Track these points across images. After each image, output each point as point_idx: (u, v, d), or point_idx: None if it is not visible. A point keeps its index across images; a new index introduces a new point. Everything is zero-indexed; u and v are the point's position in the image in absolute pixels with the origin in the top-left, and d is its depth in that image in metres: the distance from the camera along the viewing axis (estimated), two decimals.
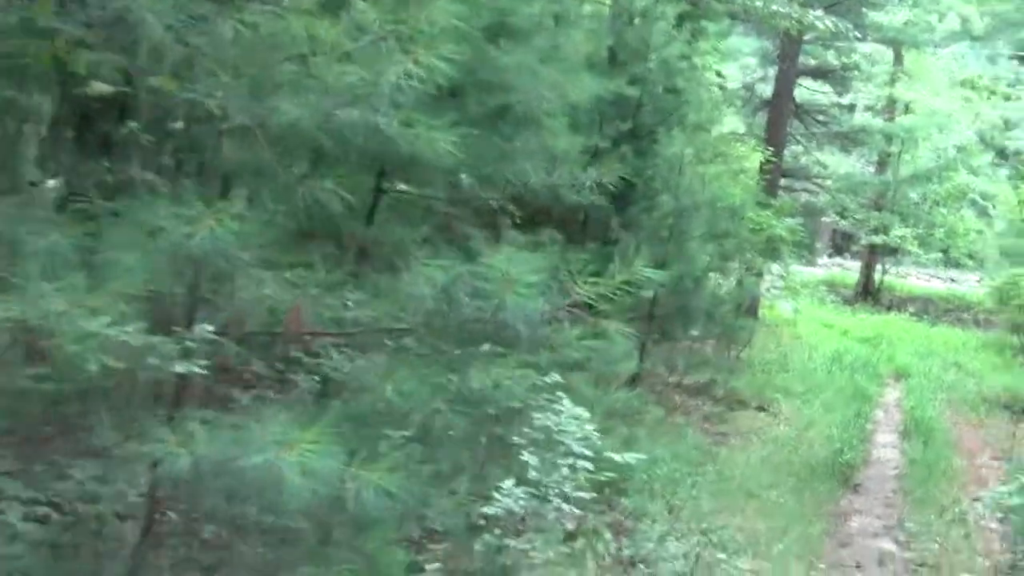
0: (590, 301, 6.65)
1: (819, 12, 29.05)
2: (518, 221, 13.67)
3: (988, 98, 36.63)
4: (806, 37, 35.53)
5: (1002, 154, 49.75)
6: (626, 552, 10.95)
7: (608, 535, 10.48)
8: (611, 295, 6.67)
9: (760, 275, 26.53)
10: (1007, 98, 36.22)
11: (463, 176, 11.12)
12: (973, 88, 35.95)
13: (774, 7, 27.07)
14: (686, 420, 18.89)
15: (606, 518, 11.41)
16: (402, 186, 11.52)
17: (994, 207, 43.26)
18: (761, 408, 21.39)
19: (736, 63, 41.26)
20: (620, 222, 18.40)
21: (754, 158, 31.40)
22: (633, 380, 18.52)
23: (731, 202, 20.46)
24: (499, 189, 11.42)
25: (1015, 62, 45.90)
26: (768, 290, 29.96)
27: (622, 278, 6.71)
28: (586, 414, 9.29)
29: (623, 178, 18.61)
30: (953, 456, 19.19)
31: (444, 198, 11.80)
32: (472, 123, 11.10)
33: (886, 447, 20.11)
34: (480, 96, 10.81)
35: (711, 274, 20.39)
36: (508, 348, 6.64)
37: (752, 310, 28.54)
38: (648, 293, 18.23)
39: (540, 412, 8.89)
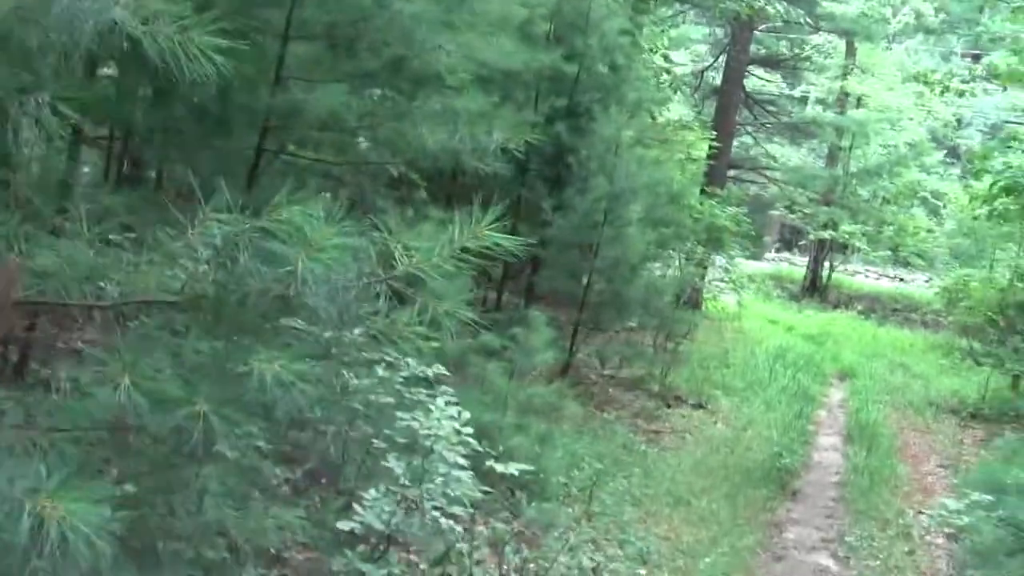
0: (419, 272, 4.96)
1: None
2: (426, 193, 12.41)
3: (941, 94, 35.51)
4: (759, 27, 34.47)
5: (953, 153, 48.99)
6: (531, 567, 9.55)
7: (509, 547, 9.17)
8: (454, 266, 5.01)
9: (704, 266, 25.32)
10: (960, 94, 35.14)
11: (360, 140, 9.77)
12: (926, 83, 34.82)
13: None
14: (616, 416, 17.68)
15: (509, 527, 9.95)
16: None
17: (945, 206, 42.19)
18: (699, 405, 20.22)
19: (686, 51, 40.16)
20: (553, 204, 17.10)
21: (701, 146, 30.22)
22: (563, 372, 17.29)
23: (672, 187, 19.06)
24: (400, 154, 9.92)
25: (968, 60, 44.84)
26: (711, 282, 28.70)
27: (461, 245, 5.00)
28: (466, 414, 7.80)
29: (560, 158, 17.53)
30: (898, 463, 18.07)
31: (339, 162, 10.43)
32: (367, 79, 9.84)
33: (828, 451, 18.94)
34: (375, 48, 9.42)
35: (649, 262, 18.99)
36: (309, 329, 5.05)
37: (694, 302, 27.61)
38: (580, 279, 17.10)
39: (407, 412, 7.44)
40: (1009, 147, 24.10)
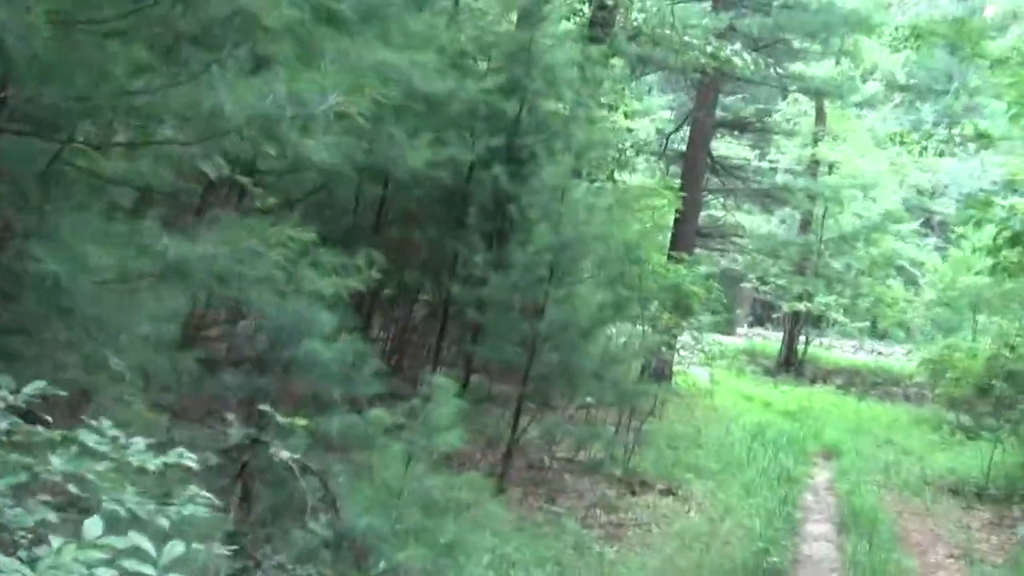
0: None
1: (737, 46, 25.02)
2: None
3: (920, 153, 32.91)
4: (725, 91, 31.84)
5: (927, 223, 46.63)
6: None
7: None
8: None
9: (673, 336, 22.22)
10: (940, 154, 32.56)
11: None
12: (902, 143, 32.23)
13: (687, 37, 23.31)
14: (569, 508, 14.58)
15: None
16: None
17: (923, 275, 39.62)
18: (668, 491, 17.13)
19: (651, 118, 37.48)
20: (491, 259, 14.08)
21: (667, 212, 27.33)
22: (507, 456, 14.25)
23: (630, 240, 15.96)
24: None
25: (940, 128, 42.47)
26: (681, 353, 25.77)
27: None
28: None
29: (500, 209, 14.61)
30: (902, 555, 14.87)
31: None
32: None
33: (820, 541, 15.87)
34: None
35: (604, 327, 15.83)
36: None
37: (662, 375, 24.71)
38: (524, 347, 14.08)
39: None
40: (1015, 190, 21.33)
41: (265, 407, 7.72)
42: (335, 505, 7.80)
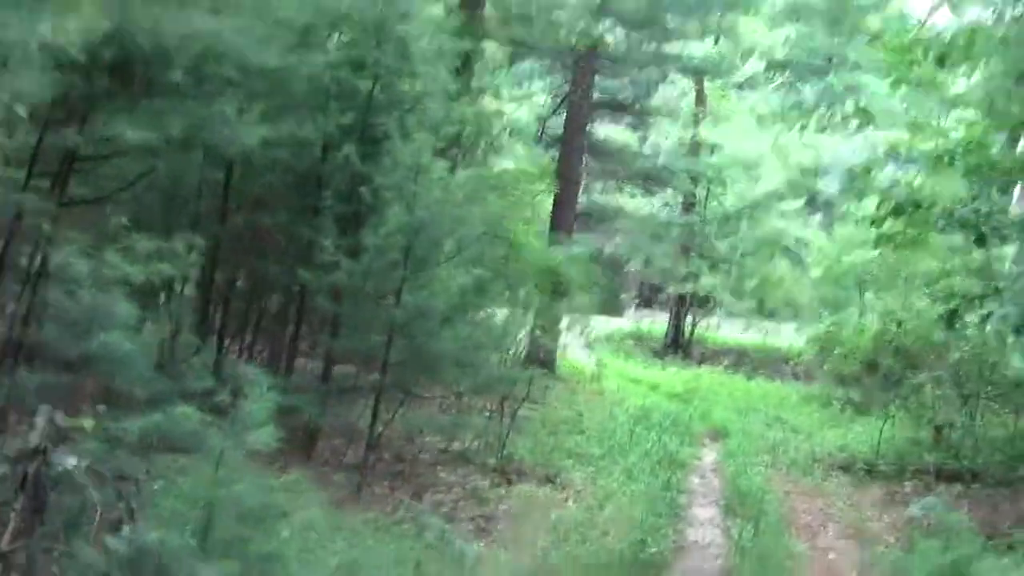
0: None
1: (608, 23, 24.16)
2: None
3: (801, 131, 32.39)
4: (604, 73, 30.92)
5: (812, 202, 46.03)
6: None
7: None
8: None
9: (551, 321, 21.31)
10: (822, 130, 32.02)
11: None
12: (783, 121, 31.68)
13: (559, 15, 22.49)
14: (436, 503, 13.64)
15: None
16: None
17: (809, 254, 39.01)
18: (546, 479, 16.28)
19: (528, 104, 36.54)
20: (342, 244, 13.07)
21: (543, 194, 26.41)
22: (370, 449, 13.28)
23: (493, 220, 14.96)
24: None
25: (821, 107, 42.00)
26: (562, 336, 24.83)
27: None
28: None
29: (354, 192, 13.61)
30: (791, 538, 14.11)
31: None
32: None
33: (705, 526, 15.19)
34: None
35: (467, 312, 14.71)
36: None
37: (541, 360, 23.69)
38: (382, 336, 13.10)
39: None
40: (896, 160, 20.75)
41: (47, 408, 6.68)
42: (133, 517, 6.76)
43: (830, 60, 43.93)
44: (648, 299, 49.67)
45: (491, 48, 28.53)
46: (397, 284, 12.95)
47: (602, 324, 40.92)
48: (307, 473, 13.54)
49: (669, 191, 39.83)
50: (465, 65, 22.19)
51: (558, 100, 33.03)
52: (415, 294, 12.76)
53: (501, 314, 17.88)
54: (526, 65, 36.17)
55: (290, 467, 13.37)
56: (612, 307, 47.95)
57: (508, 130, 27.37)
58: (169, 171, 13.18)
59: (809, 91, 43.37)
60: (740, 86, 42.01)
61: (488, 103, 25.48)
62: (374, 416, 13.51)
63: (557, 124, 32.31)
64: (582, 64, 28.94)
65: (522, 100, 34.90)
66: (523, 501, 14.65)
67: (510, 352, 19.20)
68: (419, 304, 12.72)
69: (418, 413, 16.16)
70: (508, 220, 16.46)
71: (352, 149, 13.56)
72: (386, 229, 12.78)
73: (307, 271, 13.19)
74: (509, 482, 15.57)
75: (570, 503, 15.08)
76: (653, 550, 12.62)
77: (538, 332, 20.92)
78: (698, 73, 34.11)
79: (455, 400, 17.75)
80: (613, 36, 24.04)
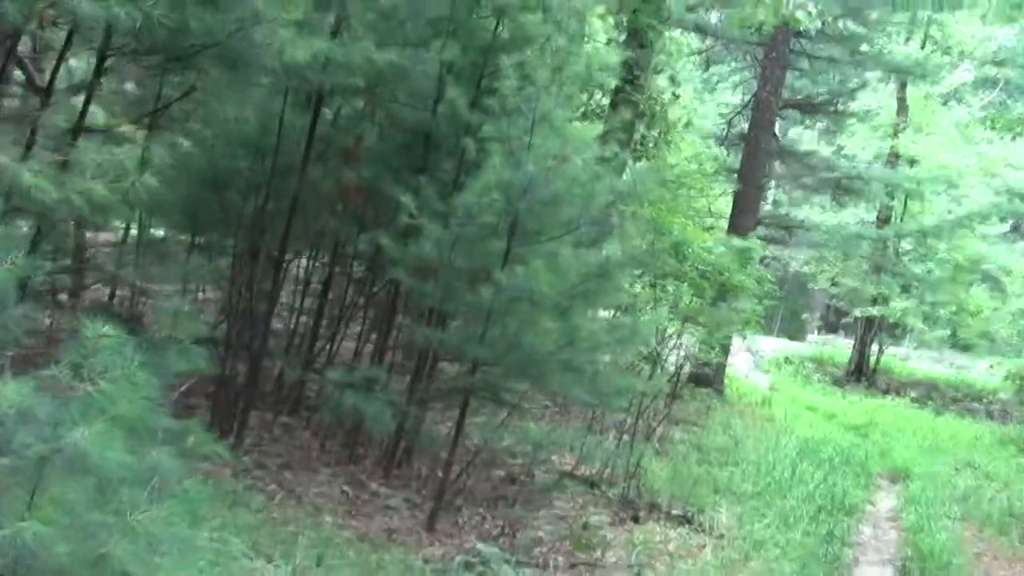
0: None
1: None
2: None
3: (1013, 139, 28.82)
4: (794, 70, 27.71)
5: (1016, 228, 41.97)
6: None
7: None
8: None
9: (720, 336, 18.11)
10: None
11: None
12: (993, 128, 28.14)
13: None
14: (531, 542, 10.56)
15: None
16: None
17: (1011, 283, 35.23)
18: (684, 519, 13.00)
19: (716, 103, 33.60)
20: (434, 207, 10.16)
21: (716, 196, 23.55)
22: (450, 466, 10.42)
23: (631, 188, 11.57)
24: None
25: None
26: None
27: None
28: None
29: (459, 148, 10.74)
30: None
31: None
32: None
33: None
34: None
35: (587, 302, 11.34)
36: None
37: (705, 379, 20.68)
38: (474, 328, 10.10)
39: None
40: None
41: None
42: None
43: None
44: (833, 323, 46.75)
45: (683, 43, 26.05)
46: (495, 259, 9.87)
47: (782, 346, 38.02)
48: (387, 492, 10.90)
49: (861, 205, 36.28)
50: (641, 44, 19.67)
51: (747, 99, 29.85)
52: (515, 274, 9.59)
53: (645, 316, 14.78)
54: (719, 68, 33.42)
55: (368, 483, 11.01)
56: (794, 329, 45.12)
57: (687, 122, 24.21)
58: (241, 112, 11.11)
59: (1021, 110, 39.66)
60: (946, 98, 38.21)
61: (667, 90, 22.50)
62: (458, 429, 10.48)
63: (745, 125, 29.16)
64: (772, 56, 25.89)
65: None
66: (647, 546, 11.50)
67: (659, 363, 15.97)
68: (520, 286, 9.53)
69: (528, 426, 13.28)
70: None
71: (459, 93, 10.62)
72: (481, 185, 9.70)
73: (385, 238, 10.24)
74: (635, 519, 12.48)
75: (707, 551, 11.88)
76: None
77: (700, 345, 17.57)
78: (900, 72, 30.38)
79: (591, 415, 14.83)
80: (805, 14, 20.74)
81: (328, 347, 13.26)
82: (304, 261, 14.30)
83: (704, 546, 12.03)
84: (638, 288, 15.50)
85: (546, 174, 9.71)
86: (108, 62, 8.54)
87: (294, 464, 11.30)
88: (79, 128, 8.20)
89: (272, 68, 8.54)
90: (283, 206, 11.27)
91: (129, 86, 12.14)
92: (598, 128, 11.89)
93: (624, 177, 11.55)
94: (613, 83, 20.05)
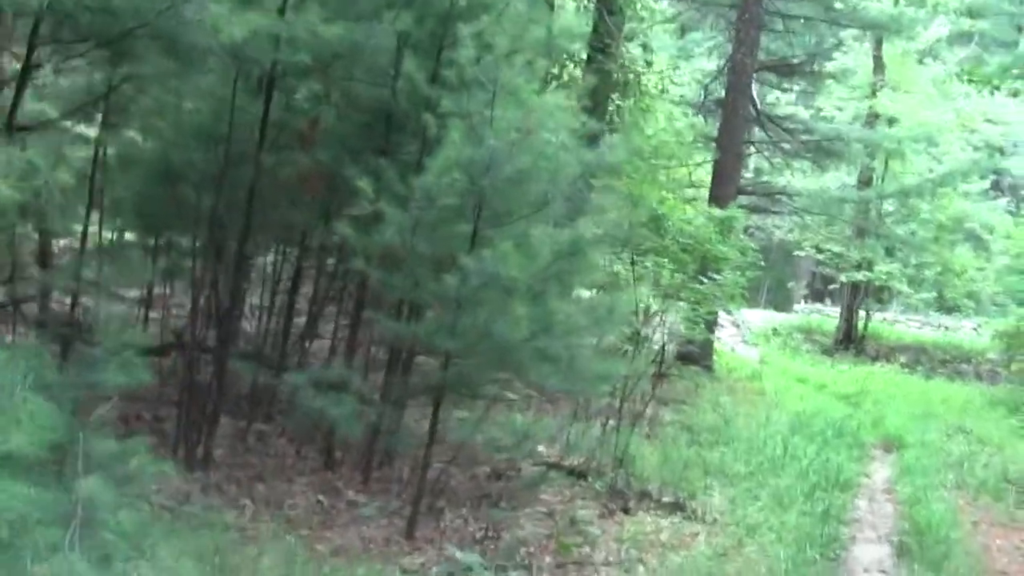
0: None
1: None
2: None
3: (992, 93, 28.50)
4: (769, 32, 27.17)
5: (997, 185, 41.65)
6: None
7: None
8: None
9: (712, 313, 17.59)
10: (1015, 94, 28.04)
11: None
12: (970, 81, 27.75)
13: None
14: (516, 542, 10.02)
15: None
16: None
17: (995, 241, 34.88)
18: (676, 506, 12.41)
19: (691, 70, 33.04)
20: (393, 189, 9.55)
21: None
22: (427, 468, 9.84)
23: (603, 158, 10.89)
24: None
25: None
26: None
27: None
28: None
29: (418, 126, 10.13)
30: None
31: None
32: None
33: (871, 573, 11.15)
34: None
35: (562, 285, 10.61)
36: None
37: (692, 356, 21.13)
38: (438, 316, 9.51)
39: None
40: None
41: None
42: None
43: (1020, 29, 39.95)
44: (819, 291, 46.39)
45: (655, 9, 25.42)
46: (462, 244, 9.23)
47: (769, 318, 37.67)
48: (364, 500, 10.35)
49: (843, 168, 35.79)
50: (610, 11, 19.22)
51: (723, 63, 29.19)
52: (482, 258, 8.93)
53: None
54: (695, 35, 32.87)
55: (345, 491, 10.53)
56: (780, 299, 44.83)
57: (663, 89, 23.58)
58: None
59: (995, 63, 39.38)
60: (922, 55, 37.89)
61: (640, 58, 21.94)
62: (432, 428, 9.86)
63: (722, 92, 28.49)
64: (746, 17, 25.28)
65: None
66: (638, 538, 10.95)
67: (642, 344, 15.37)
68: (488, 271, 8.87)
69: (514, 418, 12.76)
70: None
71: (416, 66, 10.00)
72: (440, 164, 9.05)
73: (344, 225, 9.61)
74: (625, 510, 11.90)
75: (700, 539, 11.33)
76: None
77: (684, 322, 16.92)
78: (875, 28, 29.70)
79: (577, 402, 14.28)
80: None
81: (302, 346, 12.72)
82: (272, 257, 13.78)
83: (697, 534, 11.51)
84: (617, 267, 14.98)
85: (510, 149, 9.05)
86: (37, 53, 8.04)
87: (267, 475, 10.75)
88: (11, 125, 7.73)
89: (210, 48, 7.99)
90: (240, 197, 10.70)
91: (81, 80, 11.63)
92: (569, 100, 11.11)
93: (598, 149, 10.80)
94: (584, 53, 19.55)
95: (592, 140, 11.41)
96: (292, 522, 9.50)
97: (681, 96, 29.59)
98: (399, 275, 9.71)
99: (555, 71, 18.59)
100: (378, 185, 9.44)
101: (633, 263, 14.55)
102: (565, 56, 18.18)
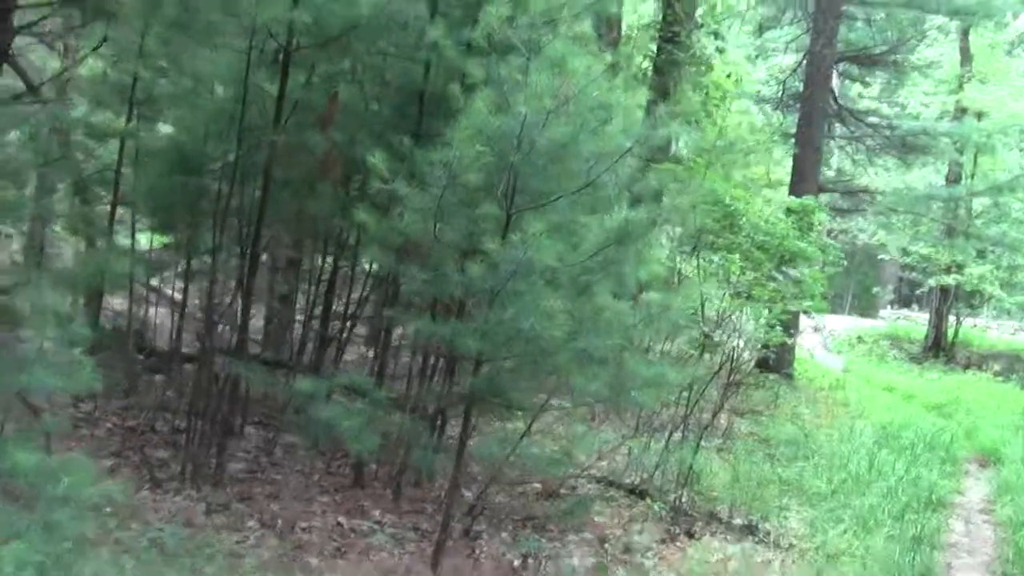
0: None
1: None
2: None
3: None
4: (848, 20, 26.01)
5: None
6: None
7: None
8: None
9: (787, 315, 16.32)
10: None
11: None
12: None
13: None
14: (562, 572, 8.82)
15: None
16: None
17: None
18: (748, 529, 11.30)
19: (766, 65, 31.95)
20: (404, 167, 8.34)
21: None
22: (455, 487, 8.69)
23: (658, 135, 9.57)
24: None
25: None
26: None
27: None
28: None
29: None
30: None
31: None
32: None
33: None
34: None
35: (604, 281, 9.30)
36: None
37: (771, 364, 20.21)
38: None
39: None
40: None
41: None
42: None
43: None
44: (907, 297, 45.15)
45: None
46: (491, 230, 7.97)
47: (853, 325, 36.50)
48: (391, 521, 9.20)
49: (929, 165, 34.56)
50: None
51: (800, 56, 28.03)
52: (513, 245, 7.67)
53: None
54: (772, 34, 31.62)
55: (371, 512, 9.44)
56: (865, 305, 43.81)
57: (737, 79, 22.44)
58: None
59: None
60: (1011, 46, 36.60)
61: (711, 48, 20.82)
62: (462, 443, 8.63)
63: (799, 86, 27.37)
64: (824, 5, 24.12)
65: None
66: (702, 566, 9.74)
67: (712, 348, 14.17)
68: (519, 259, 7.59)
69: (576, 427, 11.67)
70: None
71: (440, 33, 8.80)
72: (463, 136, 7.80)
73: (361, 210, 8.43)
74: (690, 534, 10.73)
75: (774, 568, 10.14)
76: None
77: (760, 324, 15.66)
78: (961, 14, 28.25)
79: (640, 411, 13.17)
80: None
81: (337, 350, 11.65)
82: (303, 255, 12.83)
83: (770, 562, 10.33)
84: (680, 262, 13.84)
85: (544, 118, 7.79)
86: None
87: (286, 493, 9.62)
88: None
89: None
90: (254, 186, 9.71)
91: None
92: (642, 92, 9.91)
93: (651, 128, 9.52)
94: (653, 46, 18.62)
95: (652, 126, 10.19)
96: (302, 548, 8.36)
97: (758, 92, 28.50)
98: (421, 267, 8.51)
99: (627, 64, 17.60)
100: (403, 168, 8.24)
101: (698, 257, 13.35)
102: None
